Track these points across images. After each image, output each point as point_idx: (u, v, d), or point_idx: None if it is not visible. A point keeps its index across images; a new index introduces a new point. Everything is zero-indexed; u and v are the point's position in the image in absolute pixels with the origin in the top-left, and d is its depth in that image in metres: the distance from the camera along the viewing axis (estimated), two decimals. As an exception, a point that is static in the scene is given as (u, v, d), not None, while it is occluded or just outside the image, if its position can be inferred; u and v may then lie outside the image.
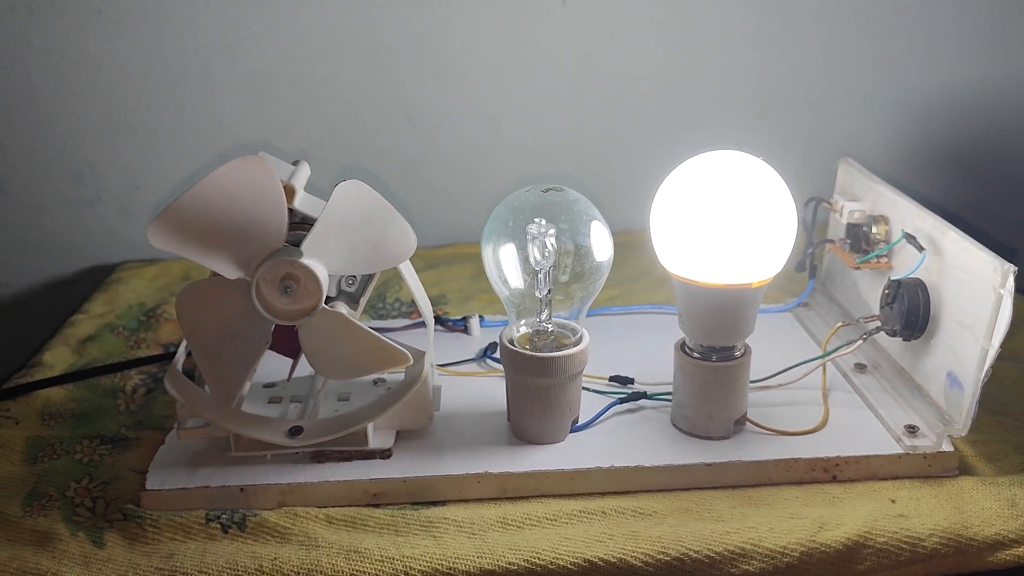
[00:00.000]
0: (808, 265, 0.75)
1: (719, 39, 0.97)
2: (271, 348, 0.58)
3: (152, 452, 0.62)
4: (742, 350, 0.60)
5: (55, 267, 1.00)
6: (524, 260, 0.59)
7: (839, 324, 0.67)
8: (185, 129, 0.96)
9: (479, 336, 0.77)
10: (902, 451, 0.58)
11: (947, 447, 0.58)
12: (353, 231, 0.55)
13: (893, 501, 0.56)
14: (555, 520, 0.55)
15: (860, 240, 0.69)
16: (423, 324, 0.78)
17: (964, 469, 0.59)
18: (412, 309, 0.86)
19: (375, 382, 0.66)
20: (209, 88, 0.95)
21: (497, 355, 0.72)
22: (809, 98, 1.00)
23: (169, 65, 0.94)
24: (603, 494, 0.58)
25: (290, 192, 0.57)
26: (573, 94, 0.98)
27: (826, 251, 0.77)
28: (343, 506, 0.57)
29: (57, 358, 0.77)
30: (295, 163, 0.62)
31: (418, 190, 1.00)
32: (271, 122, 0.97)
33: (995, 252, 0.56)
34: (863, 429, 0.61)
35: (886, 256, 0.68)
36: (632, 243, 0.82)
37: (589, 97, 0.98)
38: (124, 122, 0.95)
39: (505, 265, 0.60)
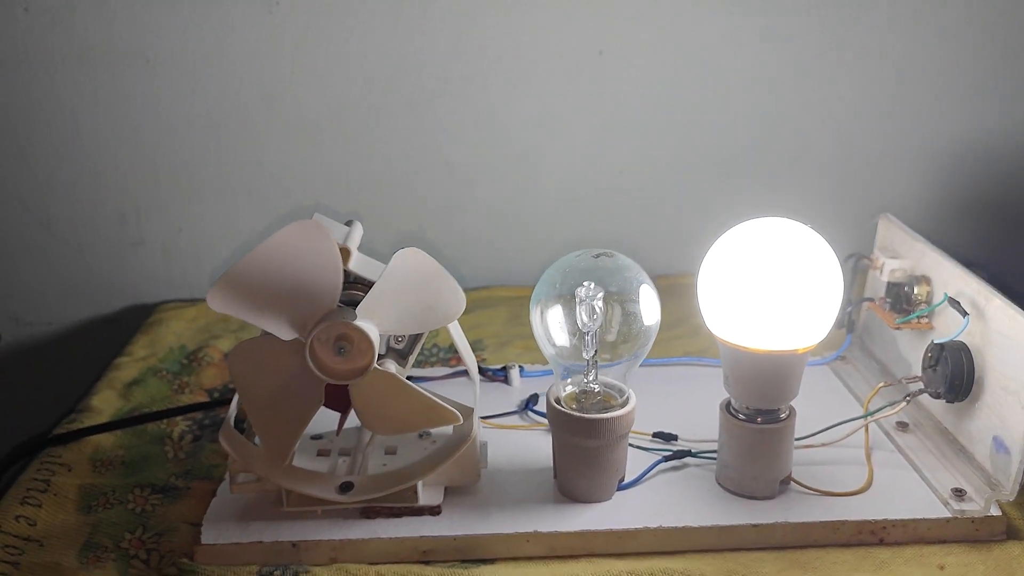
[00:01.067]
0: (847, 321, 0.75)
1: (755, 86, 0.98)
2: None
3: (202, 502, 0.63)
4: (787, 412, 0.61)
5: (97, 306, 1.02)
6: (572, 322, 0.60)
7: (881, 384, 0.67)
8: (226, 173, 0.98)
9: (519, 387, 0.78)
10: (950, 515, 0.58)
11: (995, 511, 0.59)
12: (407, 294, 0.56)
13: (942, 567, 0.56)
14: (604, 583, 0.56)
15: (901, 300, 0.70)
16: (464, 372, 0.80)
17: (1011, 533, 0.59)
18: (451, 355, 0.87)
19: (421, 435, 0.67)
20: (250, 133, 0.97)
21: (539, 407, 0.73)
22: (844, 144, 1.01)
23: (212, 112, 0.96)
24: (650, 554, 0.58)
25: (345, 254, 0.59)
26: (610, 141, 0.99)
27: (865, 309, 0.78)
28: (393, 563, 0.58)
29: (104, 402, 0.79)
30: (348, 223, 0.63)
31: (455, 234, 1.01)
32: (311, 167, 0.98)
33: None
34: (909, 491, 0.61)
35: (927, 317, 0.68)
36: (671, 287, 0.82)
37: (625, 144, 1.00)
38: (168, 166, 0.97)
39: (552, 326, 0.61)
